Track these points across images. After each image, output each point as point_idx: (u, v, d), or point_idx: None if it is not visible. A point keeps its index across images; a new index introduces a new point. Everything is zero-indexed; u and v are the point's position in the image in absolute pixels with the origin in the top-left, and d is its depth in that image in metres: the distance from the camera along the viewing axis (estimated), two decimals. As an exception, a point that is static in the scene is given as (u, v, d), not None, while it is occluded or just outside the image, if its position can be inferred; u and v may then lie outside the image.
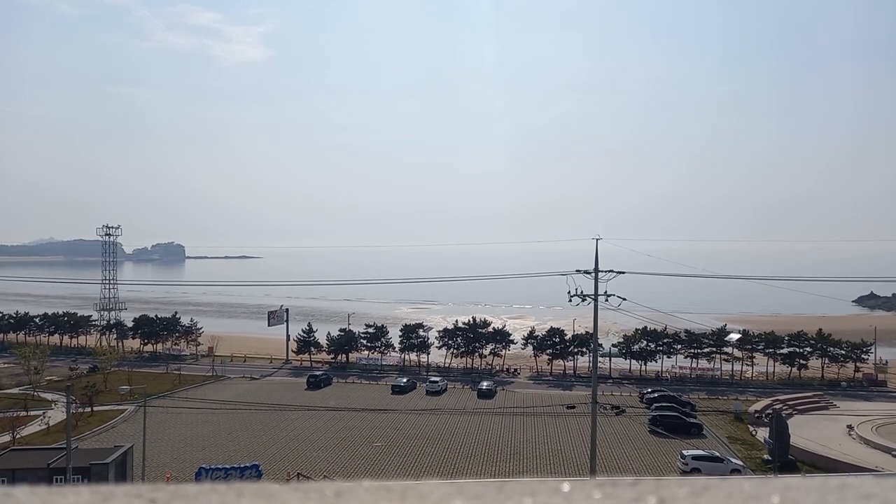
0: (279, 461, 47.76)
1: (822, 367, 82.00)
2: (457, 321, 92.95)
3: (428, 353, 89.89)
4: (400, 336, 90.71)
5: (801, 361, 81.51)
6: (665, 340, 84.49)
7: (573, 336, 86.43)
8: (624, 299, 40.29)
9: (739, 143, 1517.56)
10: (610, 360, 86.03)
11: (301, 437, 54.50)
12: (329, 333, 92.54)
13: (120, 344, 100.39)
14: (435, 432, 55.97)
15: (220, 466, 42.23)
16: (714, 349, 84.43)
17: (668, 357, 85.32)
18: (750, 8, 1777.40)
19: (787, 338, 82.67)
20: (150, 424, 48.38)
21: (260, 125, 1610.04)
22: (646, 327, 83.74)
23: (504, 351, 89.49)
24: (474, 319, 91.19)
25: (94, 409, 61.89)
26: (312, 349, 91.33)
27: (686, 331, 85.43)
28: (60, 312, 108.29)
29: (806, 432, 53.29)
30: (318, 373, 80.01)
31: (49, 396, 67.71)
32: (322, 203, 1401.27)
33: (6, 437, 51.52)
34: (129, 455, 41.19)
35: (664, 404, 62.06)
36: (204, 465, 42.77)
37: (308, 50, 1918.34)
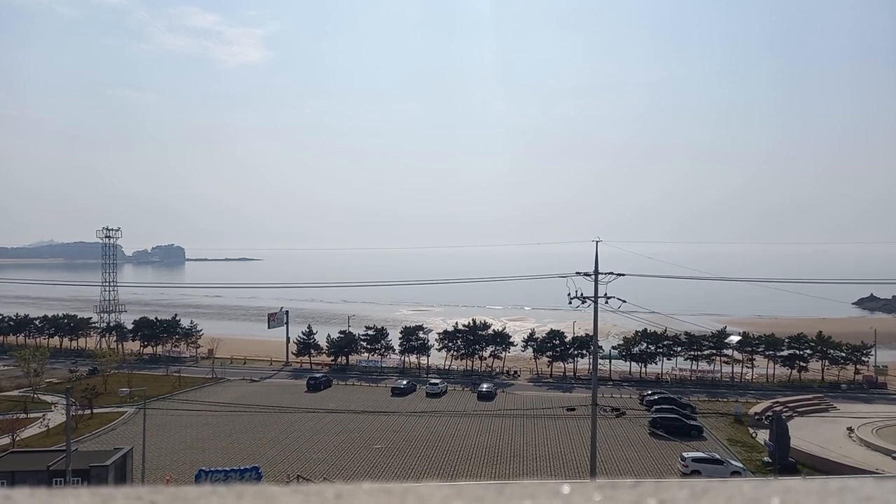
0: (279, 463, 47.74)
1: (823, 370, 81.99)
2: (457, 323, 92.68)
3: (428, 356, 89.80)
4: (400, 338, 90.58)
5: (802, 364, 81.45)
6: (665, 342, 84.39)
7: (573, 338, 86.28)
8: (624, 301, 40.29)
9: (740, 146, 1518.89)
10: (610, 362, 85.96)
11: (301, 439, 54.45)
12: (329, 335, 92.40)
13: (120, 346, 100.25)
14: (435, 435, 55.93)
15: (219, 469, 42.18)
16: (714, 351, 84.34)
17: (668, 359, 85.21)
18: (749, 12, 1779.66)
19: (787, 340, 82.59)
20: (150, 427, 48.31)
21: (260, 128, 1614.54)
22: (646, 329, 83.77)
23: (504, 353, 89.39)
24: (474, 321, 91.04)
25: (94, 411, 61.89)
26: (312, 351, 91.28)
27: (686, 333, 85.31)
28: (60, 315, 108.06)
29: (806, 434, 53.24)
30: (318, 375, 80.00)
31: (49, 399, 67.72)
32: (322, 206, 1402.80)
33: (6, 440, 51.50)
34: (129, 457, 41.15)
35: (664, 406, 62.06)
36: (204, 468, 42.71)
37: (308, 52, 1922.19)
